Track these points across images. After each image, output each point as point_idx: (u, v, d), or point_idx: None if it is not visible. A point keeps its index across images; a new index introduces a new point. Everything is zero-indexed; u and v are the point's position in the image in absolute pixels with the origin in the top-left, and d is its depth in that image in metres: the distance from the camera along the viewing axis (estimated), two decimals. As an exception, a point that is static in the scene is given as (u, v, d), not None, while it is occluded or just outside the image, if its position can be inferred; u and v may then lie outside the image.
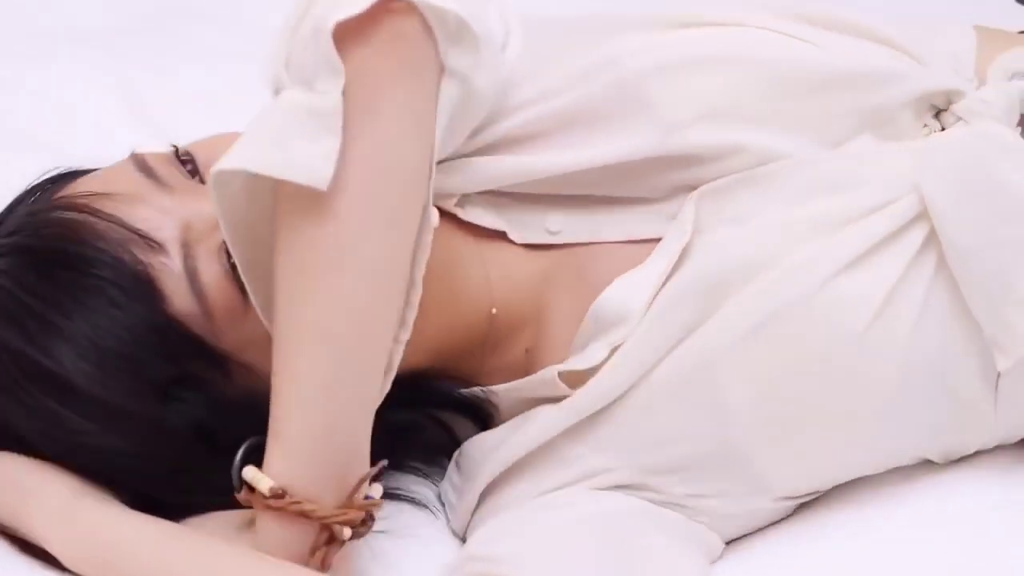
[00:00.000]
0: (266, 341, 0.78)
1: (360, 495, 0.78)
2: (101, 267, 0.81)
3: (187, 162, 0.88)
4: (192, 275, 0.83)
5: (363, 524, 0.78)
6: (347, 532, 0.77)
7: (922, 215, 0.86)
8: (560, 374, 0.88)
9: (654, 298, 0.87)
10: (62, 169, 0.92)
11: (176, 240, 0.84)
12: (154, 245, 0.83)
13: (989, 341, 0.86)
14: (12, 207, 0.90)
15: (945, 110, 0.91)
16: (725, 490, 0.89)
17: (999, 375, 0.87)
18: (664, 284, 0.87)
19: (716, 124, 0.88)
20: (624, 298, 0.87)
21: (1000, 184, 0.86)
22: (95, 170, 0.91)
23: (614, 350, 0.87)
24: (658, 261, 0.87)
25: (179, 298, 0.83)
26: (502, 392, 0.92)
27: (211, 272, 0.83)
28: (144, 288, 0.82)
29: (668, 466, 0.88)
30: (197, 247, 0.84)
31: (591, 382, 0.87)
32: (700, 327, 0.86)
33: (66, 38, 1.47)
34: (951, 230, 0.85)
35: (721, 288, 0.86)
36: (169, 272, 0.83)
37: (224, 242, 0.81)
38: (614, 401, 0.87)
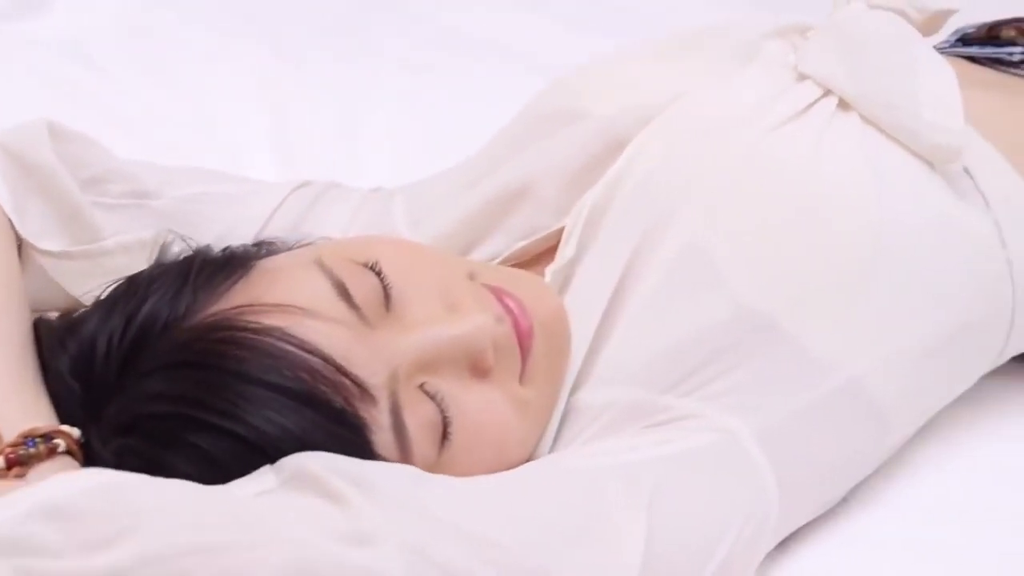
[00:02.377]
0: None
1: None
2: (318, 407, 0.76)
3: (378, 273, 0.82)
4: (399, 429, 0.78)
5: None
6: None
7: (826, 93, 0.94)
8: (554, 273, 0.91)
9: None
10: (204, 250, 0.86)
11: (385, 389, 0.79)
12: (367, 396, 0.78)
13: (930, 155, 0.90)
14: (148, 284, 0.82)
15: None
16: (764, 367, 0.84)
17: (983, 193, 0.91)
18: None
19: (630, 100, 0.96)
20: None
21: (864, 34, 0.96)
22: (250, 256, 0.85)
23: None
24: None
25: (385, 453, 0.78)
26: None
27: (414, 424, 0.79)
28: (361, 443, 0.77)
29: (690, 366, 0.84)
30: (401, 397, 0.79)
31: (577, 273, 0.89)
32: (673, 215, 0.88)
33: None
34: (849, 89, 0.93)
35: (675, 154, 0.91)
36: (380, 426, 0.78)
37: (423, 385, 0.79)
38: (612, 329, 0.87)
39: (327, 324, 0.79)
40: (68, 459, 0.77)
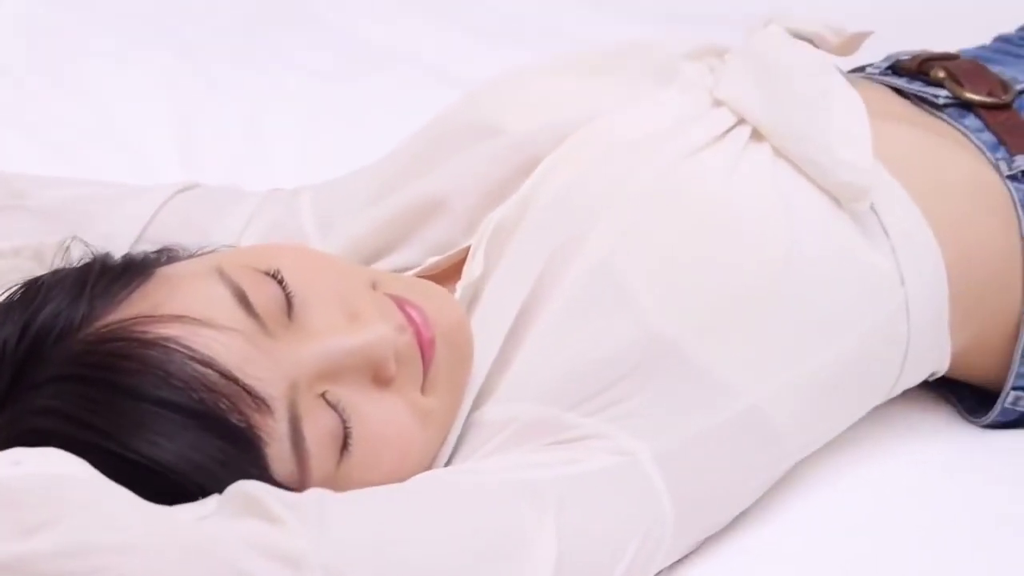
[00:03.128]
0: None
1: None
2: (207, 422, 0.75)
3: (280, 282, 0.81)
4: (296, 440, 0.78)
5: None
6: None
7: (740, 121, 0.94)
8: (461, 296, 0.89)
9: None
10: (101, 254, 0.83)
11: (283, 399, 0.78)
12: (263, 407, 0.77)
13: (838, 193, 0.91)
14: (46, 290, 0.80)
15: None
16: (668, 391, 0.85)
17: (886, 230, 0.92)
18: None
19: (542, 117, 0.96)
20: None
21: (779, 64, 0.95)
22: (149, 263, 0.83)
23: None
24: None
25: (280, 464, 0.77)
26: None
27: (313, 434, 0.78)
28: (252, 456, 0.76)
29: (596, 386, 0.84)
30: (300, 408, 0.78)
31: (487, 289, 0.88)
32: (584, 235, 0.87)
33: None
34: (763, 119, 0.93)
35: (583, 189, 0.90)
36: (276, 437, 0.77)
37: (324, 394, 0.78)
38: (518, 347, 0.86)
39: (224, 334, 0.78)
40: None
